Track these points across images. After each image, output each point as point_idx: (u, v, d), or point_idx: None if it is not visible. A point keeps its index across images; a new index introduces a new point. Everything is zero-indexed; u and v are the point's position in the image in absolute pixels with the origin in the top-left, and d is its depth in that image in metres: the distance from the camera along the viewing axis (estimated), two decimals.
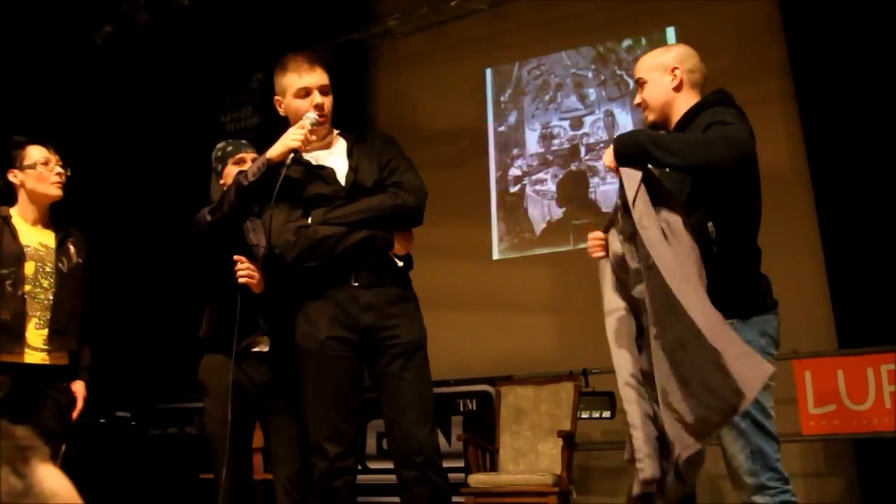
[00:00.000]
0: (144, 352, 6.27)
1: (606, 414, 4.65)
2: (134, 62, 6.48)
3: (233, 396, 2.50)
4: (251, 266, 2.58)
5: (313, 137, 2.52)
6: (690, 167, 2.11)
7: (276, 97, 2.62)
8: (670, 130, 2.40)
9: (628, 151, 2.16)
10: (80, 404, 2.91)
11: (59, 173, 2.97)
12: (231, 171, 2.74)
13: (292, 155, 2.44)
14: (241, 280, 2.55)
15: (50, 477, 0.59)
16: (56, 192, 2.97)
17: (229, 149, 2.87)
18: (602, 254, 2.39)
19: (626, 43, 5.81)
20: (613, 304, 2.34)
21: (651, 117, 2.45)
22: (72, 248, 2.99)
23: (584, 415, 4.62)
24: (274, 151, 2.46)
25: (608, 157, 2.22)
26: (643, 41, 5.74)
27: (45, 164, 2.95)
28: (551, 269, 5.73)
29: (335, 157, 2.59)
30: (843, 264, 4.74)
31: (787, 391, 4.37)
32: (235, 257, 2.58)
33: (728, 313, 2.04)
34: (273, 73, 2.62)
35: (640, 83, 2.47)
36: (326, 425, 2.40)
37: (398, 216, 2.50)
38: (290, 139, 2.45)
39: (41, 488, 0.57)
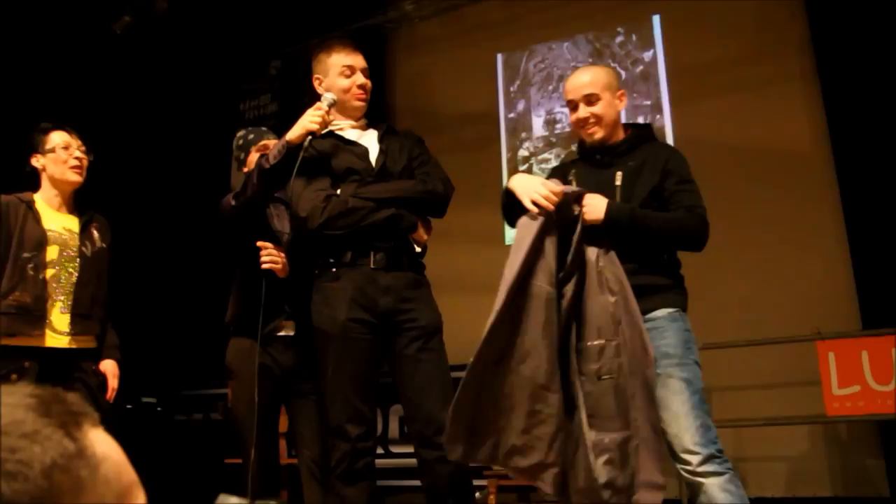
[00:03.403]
0: (170, 338, 6.33)
1: None
2: (153, 50, 6.50)
3: (259, 380, 2.51)
4: (274, 251, 2.60)
5: (331, 118, 2.53)
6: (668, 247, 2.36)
7: (317, 76, 2.65)
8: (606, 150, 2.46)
9: (621, 216, 2.23)
10: (112, 383, 2.88)
11: (77, 157, 2.93)
12: (255, 158, 2.75)
13: (310, 137, 2.45)
14: (264, 266, 2.57)
15: (101, 441, 0.61)
16: (74, 176, 2.92)
17: (251, 137, 2.88)
18: (543, 211, 2.22)
19: (619, 39, 6.21)
20: (543, 281, 2.19)
21: (601, 134, 2.42)
22: (95, 233, 2.96)
23: None
24: (293, 134, 2.47)
25: (597, 210, 2.23)
26: (633, 37, 6.10)
27: (66, 148, 2.91)
28: None
29: (367, 139, 2.64)
30: (866, 243, 4.68)
31: (811, 372, 4.33)
32: (259, 243, 2.60)
33: (668, 304, 2.29)
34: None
35: (592, 99, 2.40)
36: (348, 407, 2.42)
37: (426, 202, 2.55)
38: (308, 121, 2.46)
39: (93, 451, 0.59)
